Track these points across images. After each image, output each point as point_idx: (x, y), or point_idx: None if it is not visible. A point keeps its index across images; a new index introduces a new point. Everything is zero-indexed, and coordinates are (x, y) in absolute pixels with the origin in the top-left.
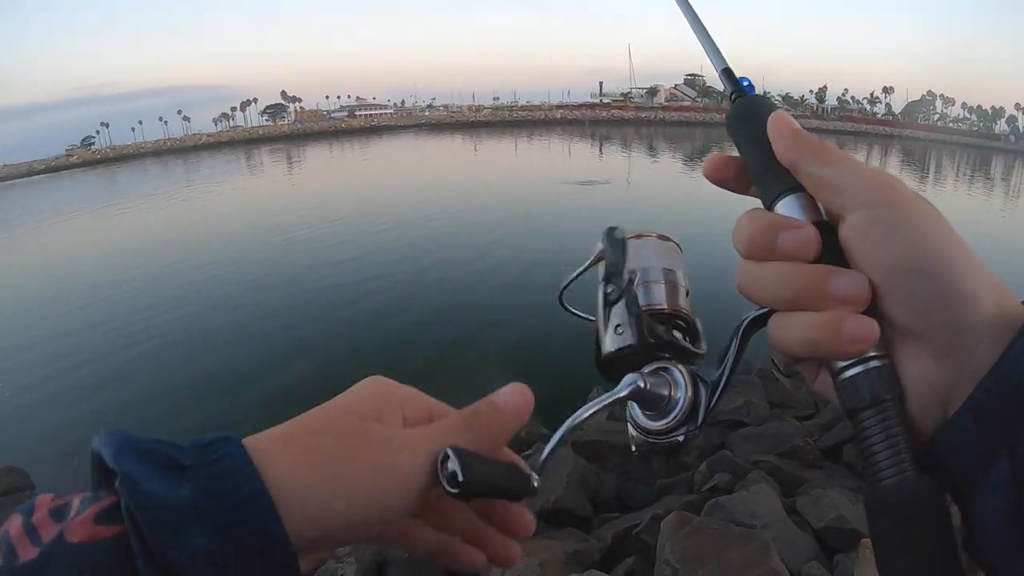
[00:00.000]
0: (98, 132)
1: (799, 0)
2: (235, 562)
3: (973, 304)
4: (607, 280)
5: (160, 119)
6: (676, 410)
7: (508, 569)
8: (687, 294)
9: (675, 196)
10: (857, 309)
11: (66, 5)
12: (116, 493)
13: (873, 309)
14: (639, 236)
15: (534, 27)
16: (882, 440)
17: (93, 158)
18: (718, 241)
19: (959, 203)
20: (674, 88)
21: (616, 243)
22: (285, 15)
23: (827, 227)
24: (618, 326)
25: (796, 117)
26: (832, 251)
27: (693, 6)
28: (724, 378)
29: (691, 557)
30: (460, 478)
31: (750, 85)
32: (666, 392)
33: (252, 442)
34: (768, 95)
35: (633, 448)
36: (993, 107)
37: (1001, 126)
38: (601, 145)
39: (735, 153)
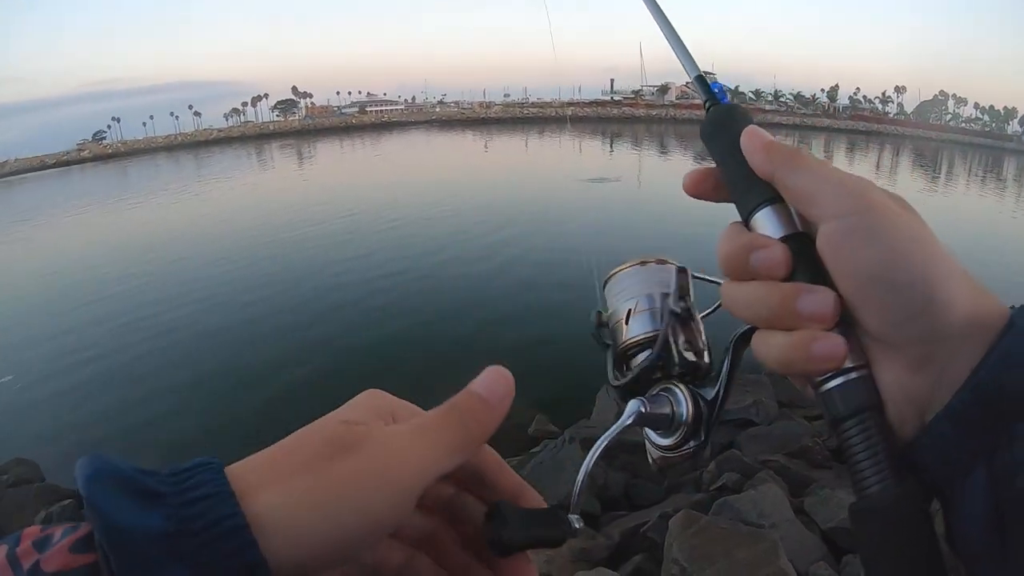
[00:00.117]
0: (109, 127)
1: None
2: None
3: (948, 314)
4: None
5: (171, 114)
6: (681, 427)
7: None
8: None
9: (685, 194)
10: (827, 326)
11: (78, 1)
12: None
13: (850, 320)
14: (643, 263)
15: (546, 26)
16: (863, 450)
17: (104, 152)
18: None
19: (971, 204)
20: (685, 86)
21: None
22: (296, 11)
23: (804, 239)
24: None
25: (807, 116)
26: (809, 263)
27: (663, 9)
28: (720, 395)
29: (699, 556)
30: (505, 538)
31: (722, 92)
32: (668, 411)
33: (234, 468)
34: (780, 94)
35: (651, 462)
36: (1006, 107)
37: (1014, 126)
38: (612, 142)
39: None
